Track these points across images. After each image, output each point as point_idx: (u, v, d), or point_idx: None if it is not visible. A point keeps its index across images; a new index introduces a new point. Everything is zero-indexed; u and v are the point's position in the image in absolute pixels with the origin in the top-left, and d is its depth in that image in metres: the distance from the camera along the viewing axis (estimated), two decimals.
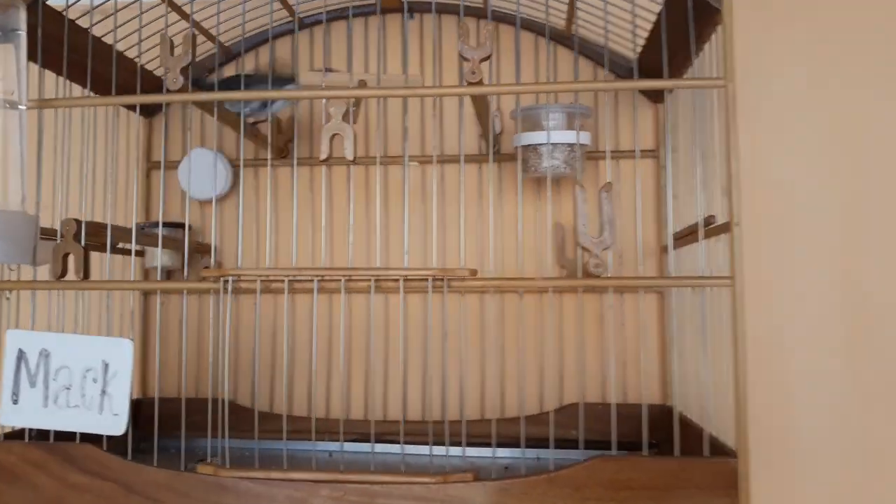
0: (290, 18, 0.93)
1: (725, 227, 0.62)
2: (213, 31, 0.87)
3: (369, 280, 0.62)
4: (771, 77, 0.88)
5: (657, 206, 0.89)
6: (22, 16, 0.65)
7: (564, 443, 0.74)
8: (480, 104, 0.70)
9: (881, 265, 0.87)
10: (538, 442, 0.82)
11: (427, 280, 0.62)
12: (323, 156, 0.64)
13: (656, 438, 0.81)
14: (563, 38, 0.90)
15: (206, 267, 0.89)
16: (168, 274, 0.91)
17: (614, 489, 0.60)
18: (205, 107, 0.70)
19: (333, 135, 0.64)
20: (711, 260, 0.69)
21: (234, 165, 0.93)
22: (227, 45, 0.93)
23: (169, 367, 0.86)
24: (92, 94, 0.76)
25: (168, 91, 0.65)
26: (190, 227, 0.92)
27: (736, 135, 0.61)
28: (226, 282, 0.63)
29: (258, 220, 0.93)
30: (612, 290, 0.71)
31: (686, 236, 0.74)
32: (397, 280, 0.62)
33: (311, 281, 0.62)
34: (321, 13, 0.93)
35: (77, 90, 0.76)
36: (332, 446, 0.80)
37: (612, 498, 0.60)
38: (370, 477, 0.61)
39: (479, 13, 0.92)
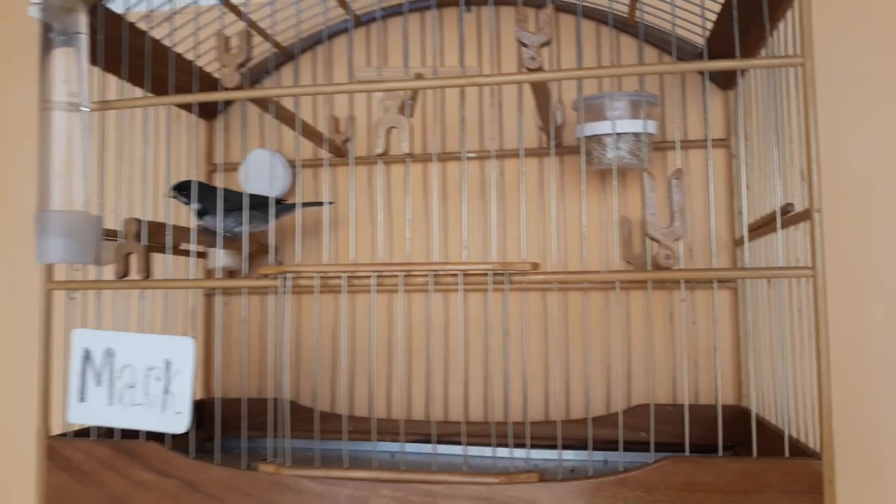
0: (345, 17, 0.92)
1: (805, 215, 0.58)
2: (270, 32, 0.87)
3: (427, 275, 0.60)
4: (851, 57, 0.84)
5: (729, 198, 0.85)
6: (83, 19, 0.66)
7: (633, 445, 0.72)
8: (540, 93, 0.68)
9: None
10: (605, 444, 0.79)
11: (486, 274, 0.60)
12: (379, 150, 0.62)
13: (731, 441, 0.78)
14: (626, 25, 0.87)
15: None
16: (229, 275, 0.91)
17: (688, 491, 0.57)
18: (262, 105, 0.69)
19: (389, 128, 0.62)
20: (788, 251, 0.65)
21: (293, 165, 0.93)
22: (284, 45, 0.93)
23: (232, 368, 0.86)
24: (151, 96, 0.77)
25: (225, 89, 0.65)
26: None
27: (815, 116, 0.57)
28: (285, 278, 0.63)
29: (317, 219, 0.92)
30: (684, 283, 0.68)
31: (761, 227, 0.70)
32: (456, 274, 0.60)
33: (370, 277, 0.61)
34: (376, 10, 0.92)
35: (138, 92, 0.77)
36: (393, 447, 0.78)
37: (685, 500, 0.57)
38: (431, 476, 0.60)
39: (537, 3, 0.89)
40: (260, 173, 0.91)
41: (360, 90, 0.64)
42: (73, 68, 0.65)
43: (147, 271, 0.67)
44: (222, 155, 0.83)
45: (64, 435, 0.68)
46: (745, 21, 0.67)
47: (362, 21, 0.93)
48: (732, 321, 0.84)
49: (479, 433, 0.73)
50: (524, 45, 0.60)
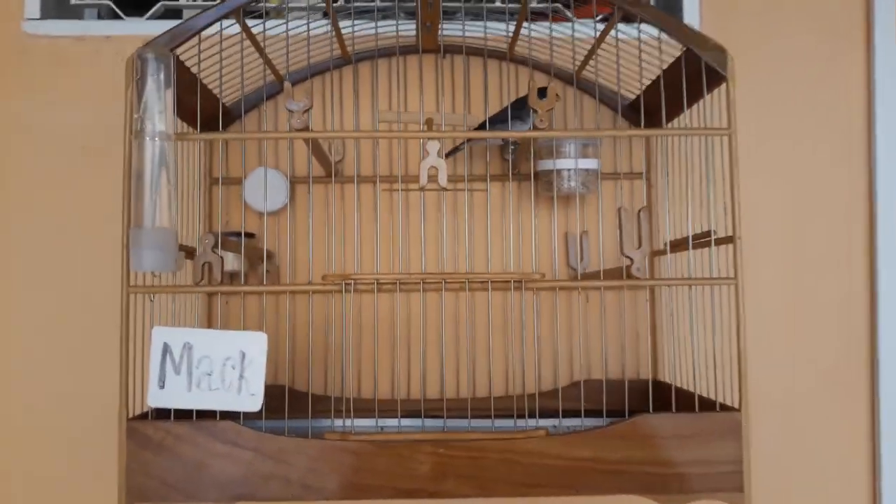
0: (336, 55, 1.07)
1: (728, 239, 0.82)
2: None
3: (464, 281, 0.79)
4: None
5: (647, 221, 1.09)
6: (171, 61, 0.78)
7: (571, 413, 0.92)
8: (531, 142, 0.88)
9: (821, 265, 1.12)
10: (556, 412, 1.01)
11: (509, 282, 0.79)
12: (422, 184, 0.80)
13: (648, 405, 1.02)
14: (571, 78, 1.08)
15: (268, 272, 1.03)
16: (231, 277, 1.04)
17: (651, 437, 0.79)
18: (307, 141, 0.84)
19: (430, 167, 0.80)
20: (691, 265, 0.89)
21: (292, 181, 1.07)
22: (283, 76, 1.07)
23: (282, 361, 1.00)
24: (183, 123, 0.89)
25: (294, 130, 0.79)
26: (254, 236, 1.05)
27: (738, 171, 0.81)
28: (347, 284, 0.79)
29: (313, 232, 1.07)
30: (649, 288, 0.90)
31: (676, 246, 0.94)
32: (485, 281, 0.79)
33: (419, 283, 0.79)
34: (363, 51, 1.08)
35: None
36: (439, 422, 0.91)
37: (651, 445, 0.79)
38: (465, 435, 0.78)
39: (498, 55, 1.09)
40: (260, 188, 1.04)
41: (411, 136, 0.81)
42: (159, 102, 0.77)
43: (221, 279, 0.80)
44: (222, 169, 0.96)
45: (145, 417, 0.80)
46: (670, 86, 0.89)
47: (350, 60, 1.09)
48: (648, 315, 1.09)
49: (484, 407, 0.91)
50: (535, 110, 0.79)
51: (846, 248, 1.14)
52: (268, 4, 1.14)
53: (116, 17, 1.15)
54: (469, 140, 1.02)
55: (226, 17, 0.82)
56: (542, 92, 0.86)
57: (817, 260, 1.14)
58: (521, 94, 1.04)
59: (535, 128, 0.81)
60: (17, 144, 1.12)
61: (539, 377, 1.04)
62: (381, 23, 1.06)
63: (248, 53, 0.94)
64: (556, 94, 0.79)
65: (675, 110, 0.95)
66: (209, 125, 0.95)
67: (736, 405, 0.81)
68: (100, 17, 1.24)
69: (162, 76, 0.77)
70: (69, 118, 1.11)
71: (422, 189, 0.80)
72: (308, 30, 0.91)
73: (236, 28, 0.87)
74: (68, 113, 1.11)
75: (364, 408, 0.90)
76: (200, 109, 0.86)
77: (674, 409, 0.81)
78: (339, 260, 1.03)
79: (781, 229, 1.14)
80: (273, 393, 0.79)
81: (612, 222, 1.08)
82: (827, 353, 1.13)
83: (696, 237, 0.87)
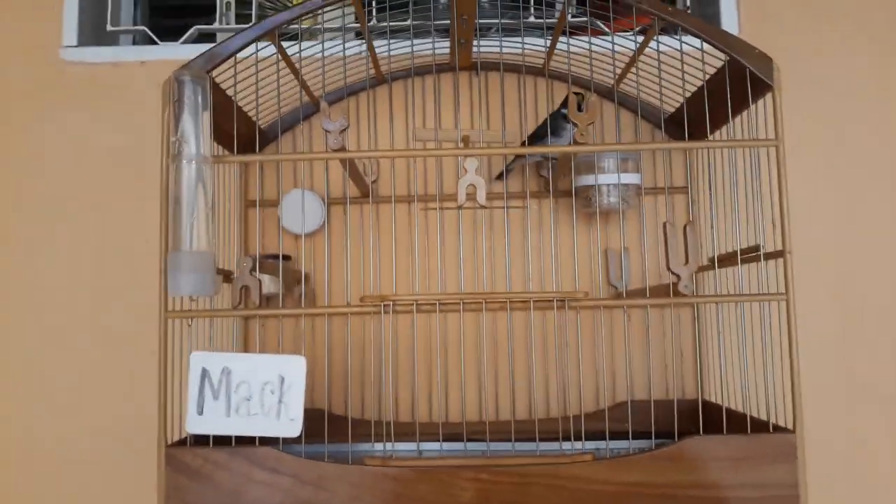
0: (363, 77, 1.07)
1: (778, 254, 0.79)
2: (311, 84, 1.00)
3: (505, 301, 0.77)
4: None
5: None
6: (208, 85, 0.77)
7: (615, 434, 0.89)
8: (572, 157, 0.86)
9: (871, 274, 1.08)
10: (598, 434, 0.98)
11: (552, 300, 0.77)
12: (460, 203, 0.78)
13: (694, 426, 0.99)
14: (609, 93, 1.07)
15: (304, 294, 1.02)
16: (268, 300, 1.03)
17: (702, 460, 0.76)
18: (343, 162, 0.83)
19: (469, 184, 0.78)
20: (734, 280, 0.86)
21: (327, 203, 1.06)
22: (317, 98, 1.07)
23: (318, 384, 0.99)
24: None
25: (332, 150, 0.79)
26: (290, 258, 1.05)
27: (786, 183, 0.79)
28: (386, 306, 0.77)
29: (349, 252, 1.06)
30: (697, 306, 0.88)
31: (724, 260, 0.91)
32: (527, 300, 0.77)
33: (458, 304, 0.77)
34: (391, 72, 1.07)
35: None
36: (481, 446, 0.88)
37: (701, 468, 0.76)
38: (509, 461, 0.76)
39: (536, 72, 1.08)
40: (297, 210, 1.03)
41: (448, 154, 0.79)
42: (196, 124, 0.77)
43: (259, 302, 0.79)
44: (260, 191, 0.96)
45: (183, 443, 0.79)
46: (712, 98, 0.87)
47: (386, 80, 1.08)
48: (692, 332, 1.06)
49: (525, 430, 0.89)
50: (575, 124, 0.78)
51: (894, 262, 1.10)
52: (302, 26, 1.14)
53: (151, 42, 1.16)
54: (516, 157, 1.00)
55: (261, 38, 0.82)
56: (580, 101, 0.85)
57: (869, 272, 1.10)
58: (556, 108, 1.02)
59: (575, 142, 0.79)
60: (55, 169, 1.13)
61: (582, 398, 1.01)
62: (415, 41, 1.05)
63: (283, 75, 0.93)
64: (593, 103, 0.77)
65: (716, 122, 0.93)
66: (245, 147, 0.95)
67: (789, 426, 0.78)
68: (135, 42, 1.25)
69: (199, 98, 0.77)
70: (106, 142, 1.12)
71: (460, 207, 0.78)
72: (343, 50, 0.91)
73: (270, 49, 0.86)
74: (105, 137, 1.12)
75: (404, 431, 0.88)
76: (236, 132, 0.86)
77: (724, 432, 0.78)
78: (375, 281, 1.02)
79: (832, 241, 1.10)
80: (311, 416, 0.78)
81: (654, 238, 1.05)
82: (883, 371, 1.08)
83: (743, 252, 0.84)
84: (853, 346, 1.09)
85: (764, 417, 0.80)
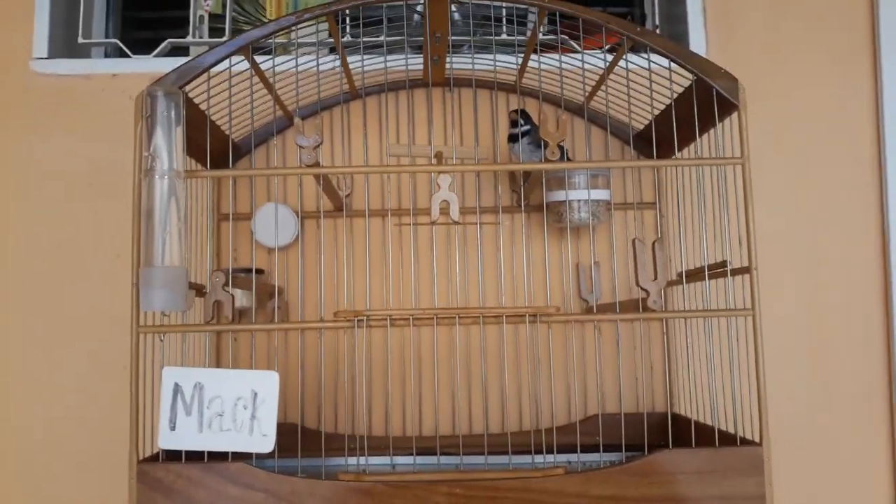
0: (338, 92, 1.07)
1: (744, 270, 0.81)
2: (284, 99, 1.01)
3: (478, 316, 0.78)
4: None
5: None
6: (180, 100, 0.77)
7: (586, 448, 0.90)
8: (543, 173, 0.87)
9: (836, 293, 1.11)
10: (567, 448, 0.98)
11: (524, 316, 0.78)
12: (433, 218, 0.79)
13: (663, 439, 1.00)
14: (579, 110, 1.08)
15: (278, 308, 1.02)
16: (240, 314, 1.03)
17: (672, 474, 0.78)
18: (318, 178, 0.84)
19: (442, 200, 0.79)
20: (703, 294, 0.88)
21: (300, 216, 1.06)
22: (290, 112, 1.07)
23: (291, 398, 0.98)
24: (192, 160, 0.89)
25: (305, 166, 0.79)
26: (263, 272, 1.04)
27: (752, 201, 0.81)
28: (360, 321, 0.78)
29: (324, 267, 1.06)
30: (664, 319, 0.89)
31: (691, 276, 0.93)
32: (499, 315, 0.78)
33: (431, 318, 0.78)
34: (371, 86, 1.08)
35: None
36: (454, 459, 0.89)
37: (671, 481, 0.77)
38: (483, 475, 0.77)
39: (507, 88, 1.09)
40: (270, 224, 1.03)
41: (422, 170, 0.80)
42: (169, 139, 0.77)
43: (232, 317, 0.79)
44: (233, 206, 0.96)
45: (155, 458, 0.78)
46: (680, 116, 0.89)
47: (359, 95, 1.09)
48: (662, 347, 1.07)
49: (498, 443, 0.90)
50: (546, 141, 0.79)
51: (864, 271, 1.13)
52: (276, 41, 1.15)
53: (123, 55, 1.16)
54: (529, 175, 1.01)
55: (234, 54, 0.82)
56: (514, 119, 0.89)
57: (834, 283, 1.12)
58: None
59: (546, 160, 0.80)
60: (25, 182, 1.12)
61: (554, 412, 1.02)
62: (389, 57, 1.06)
63: (256, 90, 0.94)
64: (563, 121, 0.78)
65: (685, 140, 0.95)
66: (218, 162, 0.95)
67: (755, 439, 0.79)
68: (107, 55, 1.25)
69: (172, 114, 0.77)
70: (76, 155, 1.11)
71: (433, 223, 0.79)
72: (318, 66, 0.91)
73: (244, 65, 0.87)
74: (76, 150, 1.11)
75: (377, 445, 0.89)
76: (209, 146, 0.86)
77: (693, 445, 0.79)
78: (349, 295, 1.02)
79: (794, 258, 1.13)
80: (284, 430, 0.78)
81: (624, 253, 1.07)
82: (845, 383, 1.11)
83: (711, 268, 0.86)
84: (824, 355, 1.11)
85: (732, 430, 0.82)
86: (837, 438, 1.10)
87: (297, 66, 0.91)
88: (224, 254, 1.07)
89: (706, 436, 0.82)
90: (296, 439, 0.82)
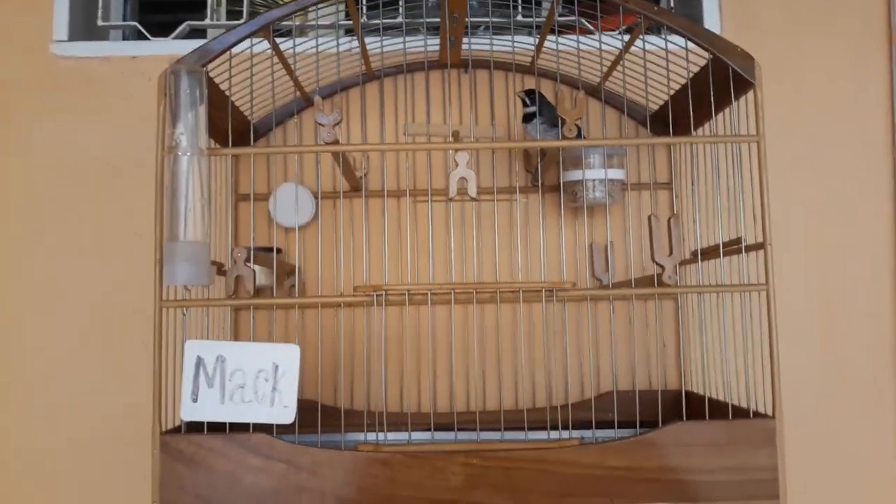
0: (358, 73, 1.08)
1: (759, 246, 0.82)
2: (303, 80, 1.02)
3: (495, 291, 0.79)
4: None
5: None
6: (204, 79, 0.79)
7: (599, 424, 0.91)
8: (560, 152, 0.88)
9: (848, 273, 1.12)
10: (581, 424, 0.99)
11: (541, 291, 0.79)
12: (451, 194, 0.80)
13: (678, 413, 1.01)
14: (595, 91, 1.09)
15: (293, 286, 1.03)
16: (259, 292, 1.04)
17: (686, 446, 0.79)
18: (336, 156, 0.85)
19: (460, 178, 0.80)
20: (716, 273, 0.89)
21: (317, 197, 1.07)
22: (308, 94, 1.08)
23: (309, 375, 1.00)
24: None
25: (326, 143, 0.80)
26: (281, 251, 1.06)
27: (766, 178, 0.81)
28: (379, 295, 0.79)
29: (343, 246, 1.07)
30: (680, 296, 0.90)
31: (707, 253, 0.94)
32: (516, 291, 0.79)
33: (449, 293, 0.79)
34: (384, 68, 1.09)
35: None
36: (471, 435, 0.89)
37: (685, 453, 0.79)
38: (499, 445, 0.78)
39: (524, 69, 1.10)
40: (288, 204, 1.05)
41: (436, 147, 0.81)
42: (192, 117, 0.78)
43: (253, 292, 0.80)
44: (253, 185, 0.98)
45: (178, 430, 0.80)
46: (696, 95, 0.90)
47: (377, 77, 1.10)
48: (675, 323, 1.08)
49: (514, 419, 0.91)
50: (563, 119, 0.80)
51: (874, 253, 1.13)
52: (296, 22, 1.16)
53: (142, 37, 1.17)
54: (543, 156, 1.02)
55: (254, 34, 0.83)
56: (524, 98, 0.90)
57: (845, 265, 1.13)
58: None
59: (563, 137, 0.81)
60: (48, 164, 1.13)
61: (568, 388, 1.04)
62: (407, 38, 1.07)
63: (275, 71, 0.95)
64: (580, 100, 0.79)
65: (700, 119, 0.95)
66: (236, 142, 0.97)
67: (769, 412, 0.80)
68: (125, 38, 1.26)
69: (196, 92, 0.78)
70: (98, 137, 1.13)
71: (450, 200, 0.80)
72: (338, 47, 0.92)
73: (264, 45, 0.88)
74: (97, 132, 1.13)
75: (395, 421, 0.90)
76: (222, 126, 0.87)
77: (707, 417, 0.80)
78: (366, 274, 1.03)
79: (808, 235, 1.13)
80: (302, 407, 0.79)
81: (638, 233, 1.08)
82: (857, 359, 1.12)
83: (725, 245, 0.87)
84: (834, 335, 1.12)
85: (745, 406, 0.83)
86: (847, 417, 1.11)
87: (317, 46, 0.93)
88: (243, 233, 1.08)
89: (719, 411, 0.83)
90: (314, 416, 0.83)
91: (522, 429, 0.82)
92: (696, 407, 0.94)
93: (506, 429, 0.85)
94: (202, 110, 0.79)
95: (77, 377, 1.11)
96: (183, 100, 0.78)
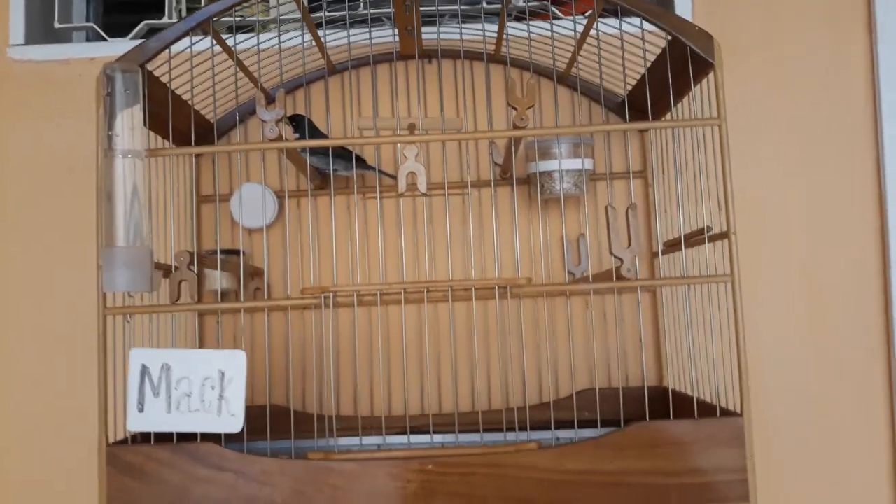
0: (322, 66, 1.06)
1: (723, 235, 0.78)
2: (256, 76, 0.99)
3: (447, 290, 0.76)
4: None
5: (645, 220, 1.05)
6: (139, 79, 0.76)
7: (574, 423, 0.88)
8: (514, 142, 0.85)
9: (833, 260, 1.07)
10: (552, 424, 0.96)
11: (494, 288, 0.76)
12: (401, 190, 0.77)
13: (653, 411, 0.97)
14: (563, 78, 1.05)
15: (258, 289, 1.01)
16: (223, 295, 1.02)
17: (650, 447, 0.75)
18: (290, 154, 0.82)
19: (409, 172, 0.77)
20: (689, 263, 0.85)
21: (280, 196, 1.05)
22: (267, 89, 1.05)
23: (259, 380, 0.97)
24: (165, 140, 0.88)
25: (268, 140, 0.77)
26: (244, 253, 1.03)
27: (729, 163, 0.78)
28: (327, 297, 0.76)
29: (301, 245, 1.04)
30: (640, 290, 0.87)
31: (674, 244, 0.90)
32: (468, 289, 0.76)
33: (399, 293, 0.76)
34: (348, 61, 1.06)
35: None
36: (424, 438, 0.88)
37: (648, 455, 0.75)
38: (455, 451, 0.75)
39: (488, 58, 1.07)
40: (251, 203, 1.02)
41: (386, 141, 0.78)
42: (137, 121, 0.76)
43: (199, 297, 0.78)
44: (216, 186, 0.95)
45: (124, 441, 0.78)
46: (663, 79, 0.86)
47: (337, 70, 1.07)
48: (653, 318, 1.05)
49: (470, 422, 0.88)
50: (514, 108, 0.76)
51: (857, 241, 1.09)
52: (255, 18, 1.13)
53: (102, 39, 1.15)
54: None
55: (194, 29, 0.81)
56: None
57: (828, 254, 1.08)
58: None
59: (515, 127, 0.78)
60: (5, 167, 1.11)
61: (526, 388, 1.00)
62: (360, 30, 1.04)
63: (227, 68, 0.92)
64: (531, 86, 0.76)
65: (666, 104, 0.91)
66: (198, 143, 0.94)
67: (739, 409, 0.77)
68: (88, 39, 1.24)
69: (131, 92, 0.76)
70: (56, 140, 1.11)
71: (400, 195, 0.77)
72: (303, 42, 0.90)
73: (215, 44, 0.85)
74: (55, 135, 1.11)
75: (347, 426, 0.87)
76: (179, 126, 0.84)
77: (671, 416, 0.77)
78: (324, 274, 1.00)
79: (790, 224, 1.09)
80: (253, 413, 0.77)
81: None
82: (842, 351, 1.07)
83: (691, 235, 0.83)
84: (819, 325, 1.08)
85: (718, 402, 0.79)
86: (833, 407, 1.07)
87: (280, 42, 0.90)
88: (206, 235, 1.06)
89: (686, 407, 0.80)
90: (265, 422, 0.81)
91: (479, 431, 0.79)
92: (665, 405, 0.91)
93: (462, 431, 0.82)
94: (138, 110, 0.76)
95: (29, 385, 1.08)
96: (119, 100, 0.76)
